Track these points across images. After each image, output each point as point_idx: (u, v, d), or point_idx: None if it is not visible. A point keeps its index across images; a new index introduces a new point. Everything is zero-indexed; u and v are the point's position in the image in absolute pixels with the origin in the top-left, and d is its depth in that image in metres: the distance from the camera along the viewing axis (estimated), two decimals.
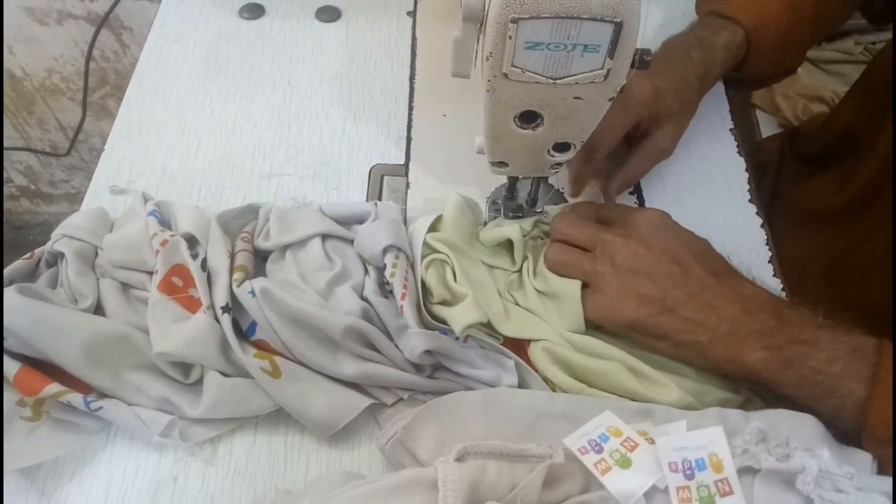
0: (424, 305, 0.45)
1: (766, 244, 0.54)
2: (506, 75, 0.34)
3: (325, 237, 0.49)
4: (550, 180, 0.55)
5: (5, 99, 1.18)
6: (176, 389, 0.43)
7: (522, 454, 0.35)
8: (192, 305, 0.44)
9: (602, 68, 0.34)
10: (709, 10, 0.57)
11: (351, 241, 0.49)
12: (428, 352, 0.42)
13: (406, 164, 0.58)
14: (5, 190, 1.44)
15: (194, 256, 0.46)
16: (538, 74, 0.34)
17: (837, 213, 0.58)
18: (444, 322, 0.44)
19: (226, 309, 0.43)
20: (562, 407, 0.40)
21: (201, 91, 0.63)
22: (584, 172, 0.52)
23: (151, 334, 0.42)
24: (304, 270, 0.47)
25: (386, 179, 0.57)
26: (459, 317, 0.42)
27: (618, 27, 0.32)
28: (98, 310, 0.45)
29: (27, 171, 1.39)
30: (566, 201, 0.55)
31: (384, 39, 0.68)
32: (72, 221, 0.49)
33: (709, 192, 0.57)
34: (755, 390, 0.44)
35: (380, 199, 0.56)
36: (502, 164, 0.44)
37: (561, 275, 0.46)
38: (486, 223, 0.51)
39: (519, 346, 0.45)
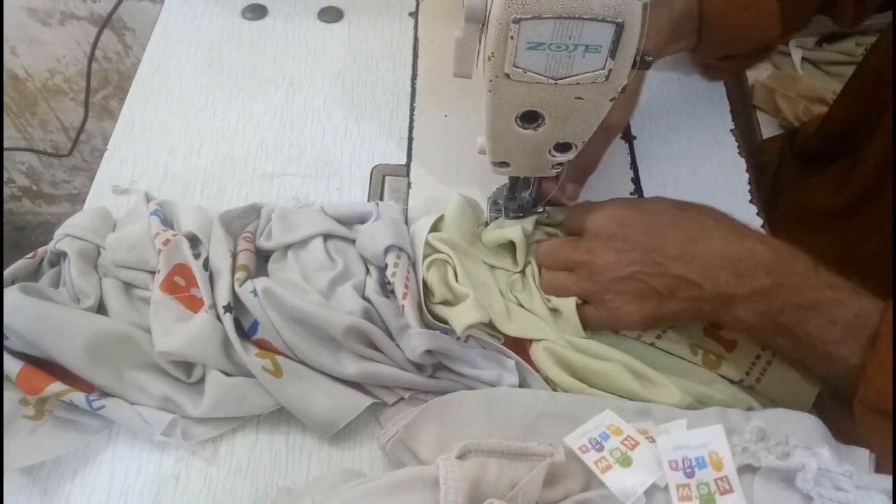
0: (426, 305, 0.45)
1: None
2: (507, 75, 0.34)
3: (326, 237, 0.49)
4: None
5: (8, 99, 1.18)
6: (178, 388, 0.43)
7: (523, 452, 0.35)
8: (194, 305, 0.44)
9: (603, 68, 0.34)
10: None
11: (352, 241, 0.49)
12: (429, 351, 0.43)
13: (408, 165, 0.58)
14: (7, 190, 1.44)
15: (196, 256, 0.46)
16: (540, 75, 0.34)
17: (837, 212, 0.58)
18: (445, 322, 0.44)
19: (228, 308, 0.43)
20: (562, 406, 0.40)
21: (204, 91, 0.63)
22: (578, 196, 0.52)
23: (154, 333, 0.43)
24: (305, 270, 0.47)
25: (387, 179, 0.57)
26: (461, 317, 0.42)
27: (619, 27, 0.32)
28: (100, 309, 0.46)
29: (29, 171, 1.39)
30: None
31: (386, 40, 0.68)
32: (74, 221, 0.49)
33: (709, 193, 0.57)
34: (758, 397, 0.44)
35: (381, 199, 0.56)
36: (503, 164, 0.44)
37: (559, 297, 0.46)
38: (487, 223, 0.51)
39: (520, 346, 0.45)
